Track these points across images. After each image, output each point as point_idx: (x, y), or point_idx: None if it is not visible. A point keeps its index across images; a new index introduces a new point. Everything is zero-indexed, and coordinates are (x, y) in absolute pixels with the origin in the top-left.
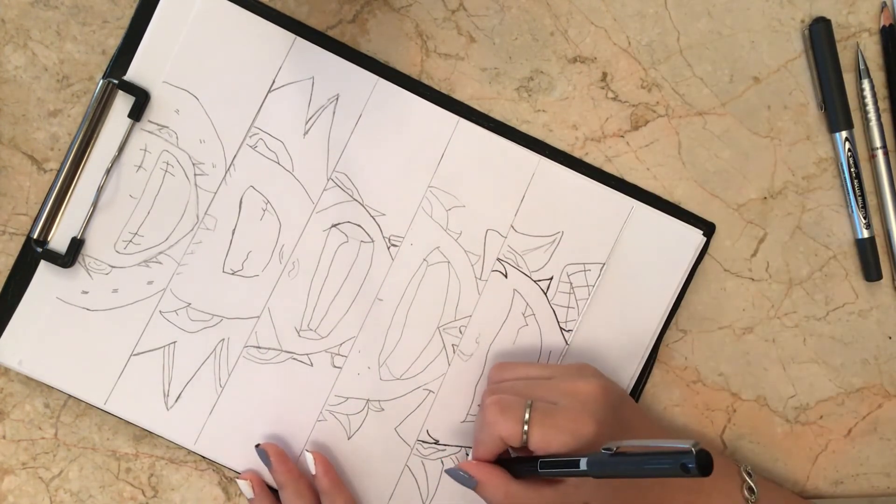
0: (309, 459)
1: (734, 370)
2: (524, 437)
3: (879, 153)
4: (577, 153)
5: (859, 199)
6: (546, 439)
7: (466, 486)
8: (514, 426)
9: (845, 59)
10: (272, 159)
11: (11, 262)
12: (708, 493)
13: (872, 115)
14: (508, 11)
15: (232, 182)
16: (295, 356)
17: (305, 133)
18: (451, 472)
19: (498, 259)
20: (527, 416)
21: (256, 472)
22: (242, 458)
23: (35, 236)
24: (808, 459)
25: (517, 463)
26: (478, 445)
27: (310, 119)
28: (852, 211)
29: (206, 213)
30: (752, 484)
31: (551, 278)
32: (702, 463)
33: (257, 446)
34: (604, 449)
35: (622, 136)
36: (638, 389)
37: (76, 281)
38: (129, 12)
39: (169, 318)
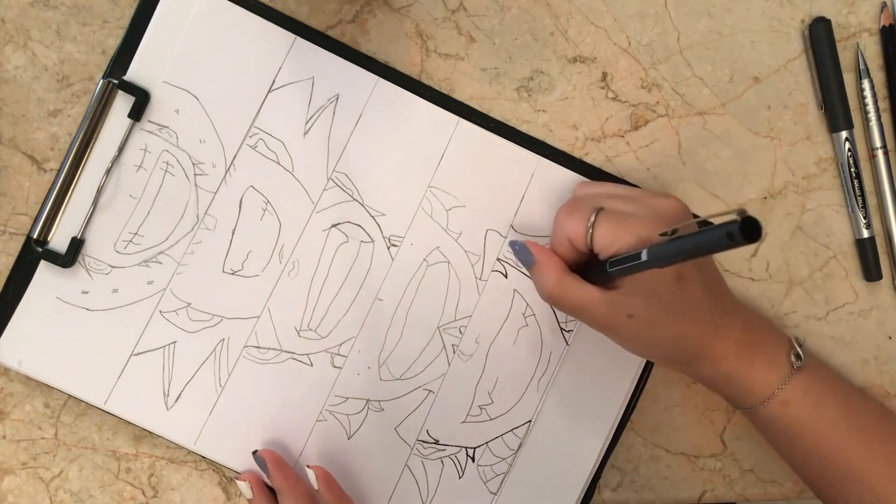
0: (311, 476)
1: None
2: (589, 235)
3: (879, 153)
4: (577, 153)
5: (859, 199)
6: (609, 238)
7: (523, 263)
8: (579, 225)
9: (845, 59)
10: (272, 159)
11: (11, 262)
12: (755, 347)
13: (872, 115)
14: (508, 11)
15: (232, 182)
16: (295, 356)
17: (305, 133)
18: (515, 245)
19: (498, 259)
20: (592, 218)
21: (256, 472)
22: (242, 458)
23: (35, 236)
24: None
25: (588, 271)
26: (551, 242)
27: (310, 119)
28: (852, 211)
29: (206, 213)
30: (800, 351)
31: None
32: (746, 229)
33: (254, 453)
34: (660, 234)
35: (622, 136)
36: (638, 390)
37: (76, 281)
38: (129, 12)
39: (169, 318)
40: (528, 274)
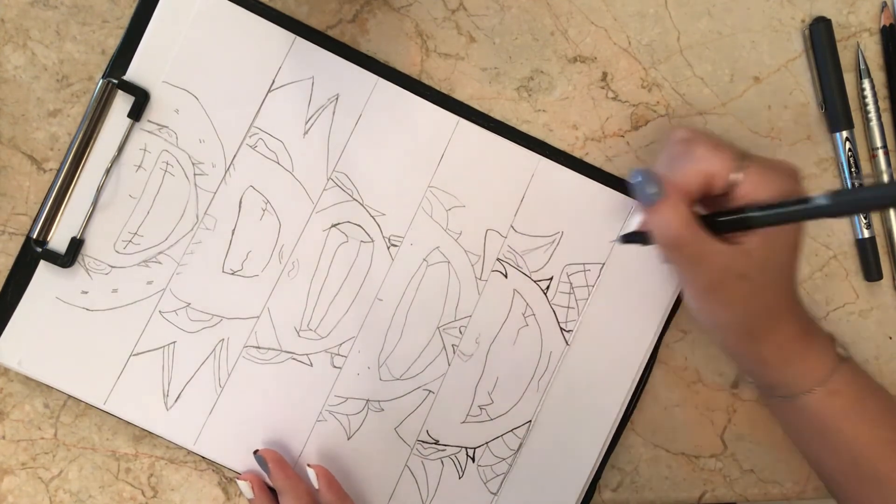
0: (311, 474)
1: (734, 370)
2: (739, 175)
3: (880, 153)
4: (577, 153)
5: None
6: (765, 181)
7: (643, 198)
8: (728, 162)
9: (845, 58)
10: (272, 159)
11: (11, 262)
12: (812, 334)
13: (873, 115)
14: (508, 11)
15: (232, 182)
16: (295, 356)
17: (305, 133)
18: (641, 174)
19: (498, 259)
20: (742, 161)
21: (256, 472)
22: (242, 458)
23: (35, 236)
24: None
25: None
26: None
27: (310, 119)
28: None
29: (205, 213)
30: (844, 344)
31: (551, 278)
32: None
33: (255, 452)
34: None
35: (622, 136)
36: (638, 390)
37: (76, 281)
38: (129, 12)
39: (169, 318)
40: (642, 205)
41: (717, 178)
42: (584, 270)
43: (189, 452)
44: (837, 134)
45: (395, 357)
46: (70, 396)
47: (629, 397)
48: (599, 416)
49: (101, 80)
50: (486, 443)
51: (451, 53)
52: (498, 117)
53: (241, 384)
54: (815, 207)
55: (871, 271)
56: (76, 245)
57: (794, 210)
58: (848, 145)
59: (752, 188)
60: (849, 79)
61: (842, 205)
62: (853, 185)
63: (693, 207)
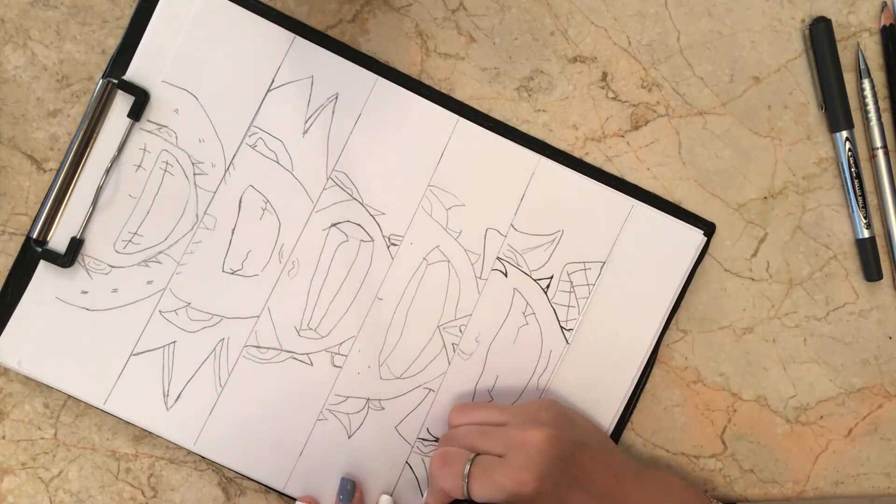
0: None
1: (734, 370)
2: (465, 490)
3: (880, 153)
4: (577, 153)
5: (860, 199)
6: (484, 494)
7: None
8: (454, 480)
9: (846, 58)
10: (272, 158)
11: (11, 261)
12: None
13: (873, 115)
14: (508, 11)
15: (231, 181)
16: (295, 355)
17: (305, 132)
18: None
19: (498, 258)
20: (467, 468)
21: (313, 497)
22: (242, 458)
23: (34, 236)
24: (808, 459)
25: None
26: (429, 495)
27: (309, 118)
28: (853, 211)
29: (205, 213)
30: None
31: (551, 277)
32: None
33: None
34: None
35: (622, 136)
36: (638, 390)
37: (76, 281)
38: (129, 12)
39: (168, 318)
40: None
41: (453, 491)
42: (585, 269)
43: (189, 452)
44: (837, 134)
45: (396, 356)
46: (70, 396)
47: (629, 397)
48: (599, 415)
49: (101, 80)
50: None
51: (451, 53)
52: (498, 117)
53: (241, 384)
54: None
55: (871, 271)
56: (76, 245)
57: None
58: (848, 145)
59: (478, 491)
60: (849, 79)
61: None
62: None
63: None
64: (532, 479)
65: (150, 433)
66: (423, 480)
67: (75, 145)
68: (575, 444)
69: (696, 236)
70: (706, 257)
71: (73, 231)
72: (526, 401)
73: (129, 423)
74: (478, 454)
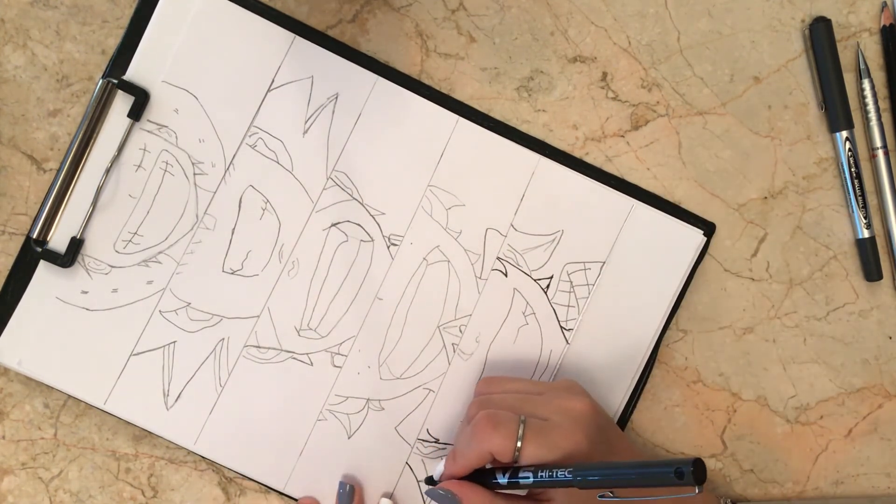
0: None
1: (734, 370)
2: (516, 453)
3: (880, 153)
4: (577, 153)
5: (860, 198)
6: (539, 456)
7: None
8: (506, 442)
9: (845, 58)
10: (272, 158)
11: (11, 261)
12: None
13: (873, 115)
14: (508, 11)
15: (231, 181)
16: (295, 355)
17: (305, 132)
18: (432, 493)
19: (498, 258)
20: (520, 431)
21: (314, 498)
22: (242, 458)
23: (34, 236)
24: (808, 459)
25: (492, 474)
26: (459, 457)
27: (309, 118)
28: (853, 211)
29: (205, 213)
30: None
31: (551, 277)
32: (698, 471)
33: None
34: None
35: (622, 136)
36: (638, 390)
37: (76, 281)
38: (129, 12)
39: (169, 318)
40: None
41: (503, 453)
42: (585, 269)
43: (189, 452)
44: (837, 134)
45: (396, 356)
46: (70, 396)
47: (629, 397)
48: None
49: (101, 80)
50: None
51: (451, 53)
52: (498, 117)
53: (241, 384)
54: (560, 481)
55: (871, 271)
56: (76, 245)
57: (545, 481)
58: (848, 145)
59: (531, 453)
60: (849, 79)
61: (583, 483)
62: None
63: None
64: (585, 440)
65: (150, 433)
66: (422, 480)
67: (75, 145)
68: (607, 418)
69: (696, 236)
70: (706, 257)
71: (73, 231)
72: None
73: (129, 423)
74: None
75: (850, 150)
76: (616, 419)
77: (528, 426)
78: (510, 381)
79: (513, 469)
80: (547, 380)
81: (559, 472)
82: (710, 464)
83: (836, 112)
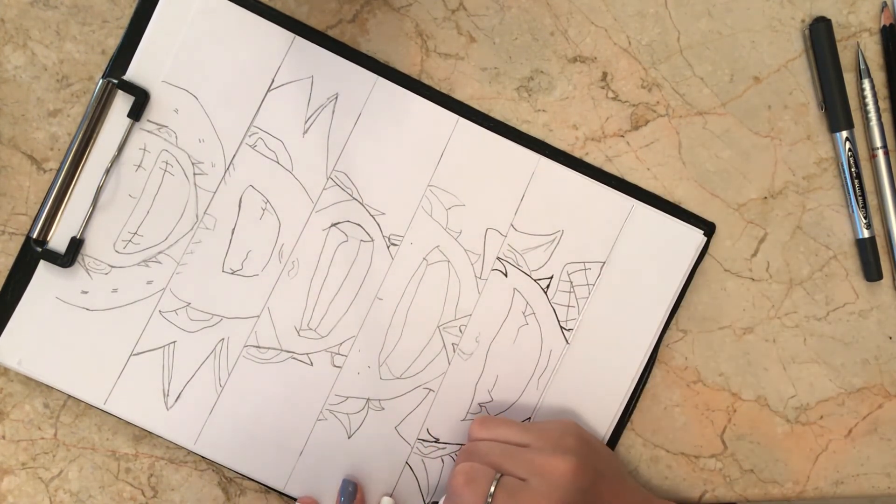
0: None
1: (734, 370)
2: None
3: (880, 153)
4: (577, 153)
5: (860, 198)
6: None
7: None
8: (477, 499)
9: (846, 58)
10: (271, 158)
11: (11, 261)
12: None
13: (873, 115)
14: (508, 11)
15: (231, 181)
16: (295, 355)
17: (305, 132)
18: None
19: (498, 258)
20: (492, 489)
21: (313, 498)
22: (242, 458)
23: (34, 236)
24: (808, 459)
25: None
26: None
27: (309, 118)
28: (853, 211)
29: (205, 213)
30: None
31: (551, 277)
32: None
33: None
34: None
35: (622, 136)
36: (638, 390)
37: (76, 281)
38: (129, 12)
39: (168, 318)
40: None
41: None
42: (585, 269)
43: (189, 452)
44: (837, 134)
45: (396, 356)
46: (70, 396)
47: (629, 397)
48: (599, 415)
49: (101, 80)
50: None
51: (451, 53)
52: (498, 117)
53: (241, 384)
54: None
55: (871, 271)
56: (76, 245)
57: None
58: (848, 145)
59: None
60: (849, 79)
61: None
62: None
63: None
64: None
65: (150, 433)
66: (423, 481)
67: (75, 145)
68: (596, 473)
69: (696, 236)
70: (706, 257)
71: (73, 231)
72: (525, 400)
73: (129, 423)
74: (502, 475)
75: (850, 150)
76: (616, 419)
77: (501, 486)
78: (503, 425)
79: None
80: (547, 380)
81: None
82: (710, 464)
83: (836, 112)
